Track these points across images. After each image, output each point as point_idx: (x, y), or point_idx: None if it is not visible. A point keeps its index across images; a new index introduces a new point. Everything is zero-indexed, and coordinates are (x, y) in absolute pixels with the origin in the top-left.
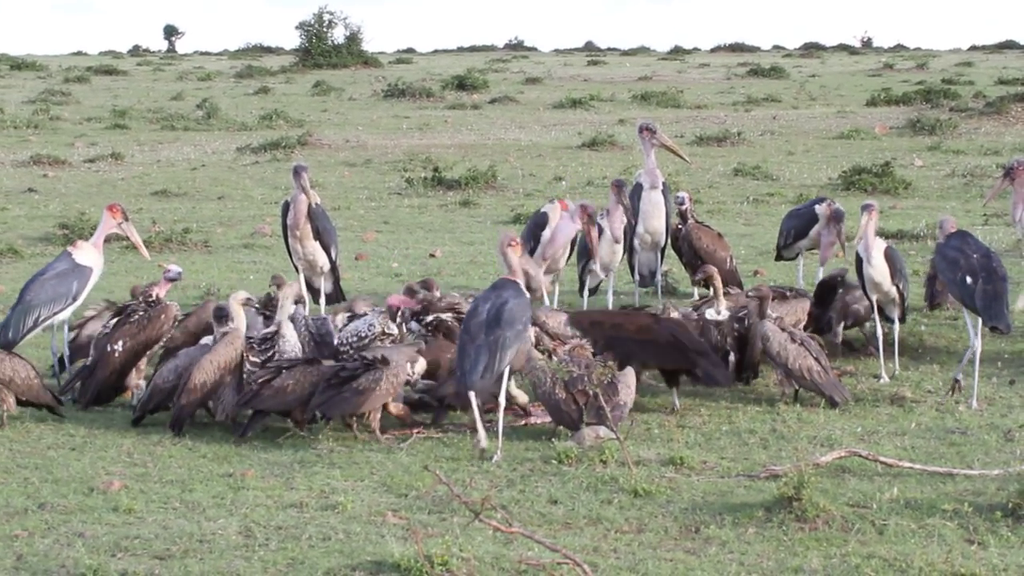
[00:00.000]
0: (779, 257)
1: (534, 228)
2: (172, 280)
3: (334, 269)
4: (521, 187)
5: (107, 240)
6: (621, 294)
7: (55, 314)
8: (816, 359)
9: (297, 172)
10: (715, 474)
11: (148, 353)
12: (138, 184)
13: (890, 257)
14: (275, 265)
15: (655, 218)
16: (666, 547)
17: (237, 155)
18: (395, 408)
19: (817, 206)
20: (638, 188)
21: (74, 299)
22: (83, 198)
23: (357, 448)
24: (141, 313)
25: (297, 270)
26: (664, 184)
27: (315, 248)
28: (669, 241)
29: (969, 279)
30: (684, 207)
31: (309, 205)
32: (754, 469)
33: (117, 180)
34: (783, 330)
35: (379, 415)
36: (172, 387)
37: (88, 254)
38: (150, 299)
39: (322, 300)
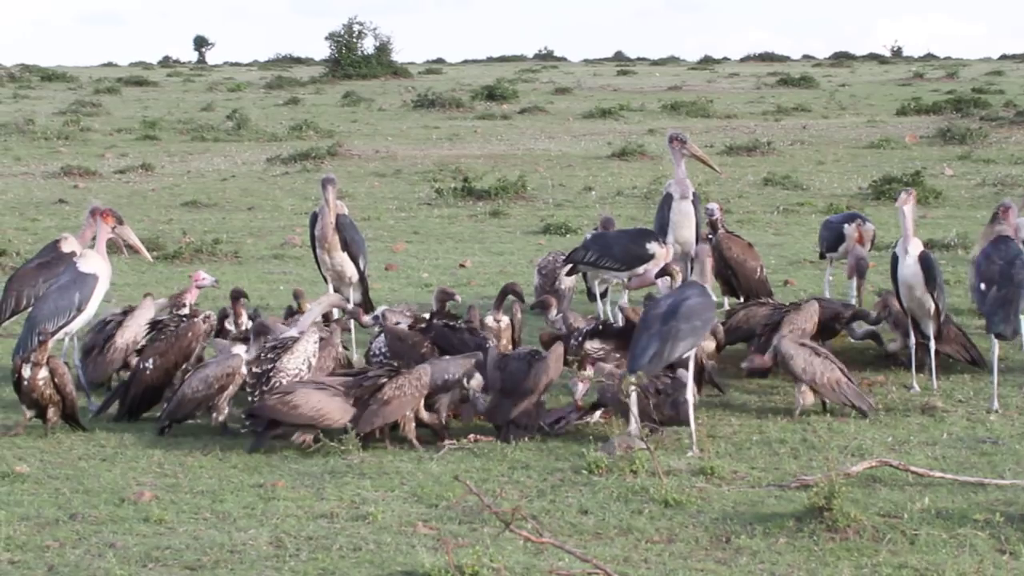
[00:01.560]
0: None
1: (631, 257)
2: (201, 288)
3: (363, 280)
4: (551, 197)
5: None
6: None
7: (61, 327)
8: (842, 370)
9: (323, 184)
10: (746, 484)
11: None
12: (168, 195)
13: (926, 260)
14: (305, 276)
15: (685, 228)
16: (697, 557)
17: (267, 166)
18: (427, 416)
19: (847, 225)
20: (668, 198)
21: (79, 310)
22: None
23: (387, 458)
24: (172, 329)
25: (326, 281)
26: (694, 194)
27: (343, 259)
28: None
29: (983, 285)
30: (714, 217)
31: (337, 216)
32: (785, 479)
33: (147, 191)
34: (803, 345)
35: (413, 424)
36: (202, 397)
37: (93, 262)
38: (182, 307)
39: None
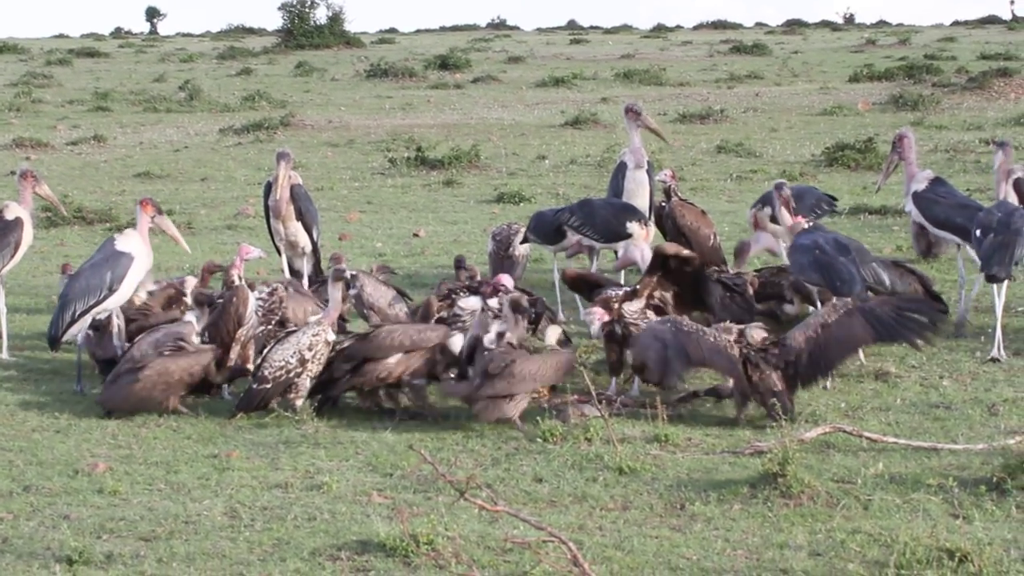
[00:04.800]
0: None
1: (609, 232)
2: (248, 260)
3: (315, 251)
4: (504, 166)
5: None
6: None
7: (92, 307)
8: None
9: (277, 159)
10: (700, 451)
11: (240, 337)
12: (121, 166)
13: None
14: (259, 246)
15: (639, 197)
16: (651, 524)
17: (220, 136)
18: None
19: (749, 210)
20: (622, 167)
21: (111, 290)
22: (66, 181)
23: (342, 428)
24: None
25: (279, 252)
26: (648, 163)
27: (297, 229)
28: (653, 219)
29: (979, 232)
30: (668, 184)
31: (292, 186)
32: (739, 446)
33: (100, 162)
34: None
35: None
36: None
37: (131, 241)
38: (232, 283)
39: (304, 283)
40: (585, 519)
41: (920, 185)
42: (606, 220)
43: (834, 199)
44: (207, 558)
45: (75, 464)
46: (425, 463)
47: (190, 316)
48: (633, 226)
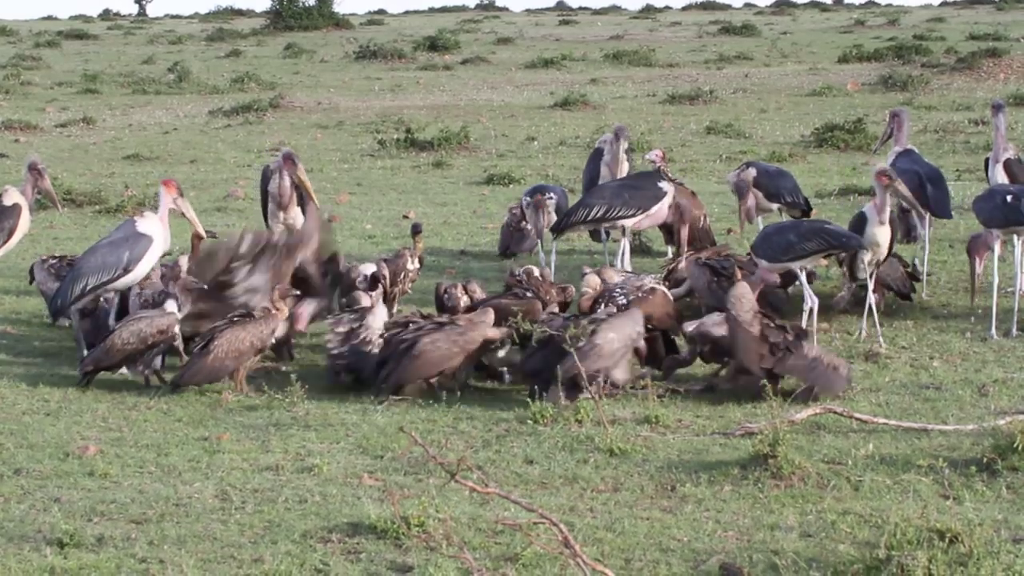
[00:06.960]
0: None
1: (647, 199)
2: None
3: None
4: (494, 148)
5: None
6: (591, 252)
7: (104, 284)
8: None
9: (284, 159)
10: (690, 432)
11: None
12: (110, 148)
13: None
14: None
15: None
16: (642, 506)
17: (209, 118)
18: None
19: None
20: (599, 152)
21: (126, 269)
22: (55, 163)
23: (332, 410)
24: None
25: None
26: (628, 149)
27: (297, 214)
28: None
29: (1011, 198)
30: (657, 166)
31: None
32: (729, 427)
33: (89, 145)
34: None
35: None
36: (131, 350)
37: (151, 224)
38: None
39: None
40: (576, 501)
41: (889, 160)
42: (637, 190)
43: (809, 207)
44: (198, 540)
45: (66, 447)
46: (416, 445)
47: (170, 306)
48: (664, 184)
